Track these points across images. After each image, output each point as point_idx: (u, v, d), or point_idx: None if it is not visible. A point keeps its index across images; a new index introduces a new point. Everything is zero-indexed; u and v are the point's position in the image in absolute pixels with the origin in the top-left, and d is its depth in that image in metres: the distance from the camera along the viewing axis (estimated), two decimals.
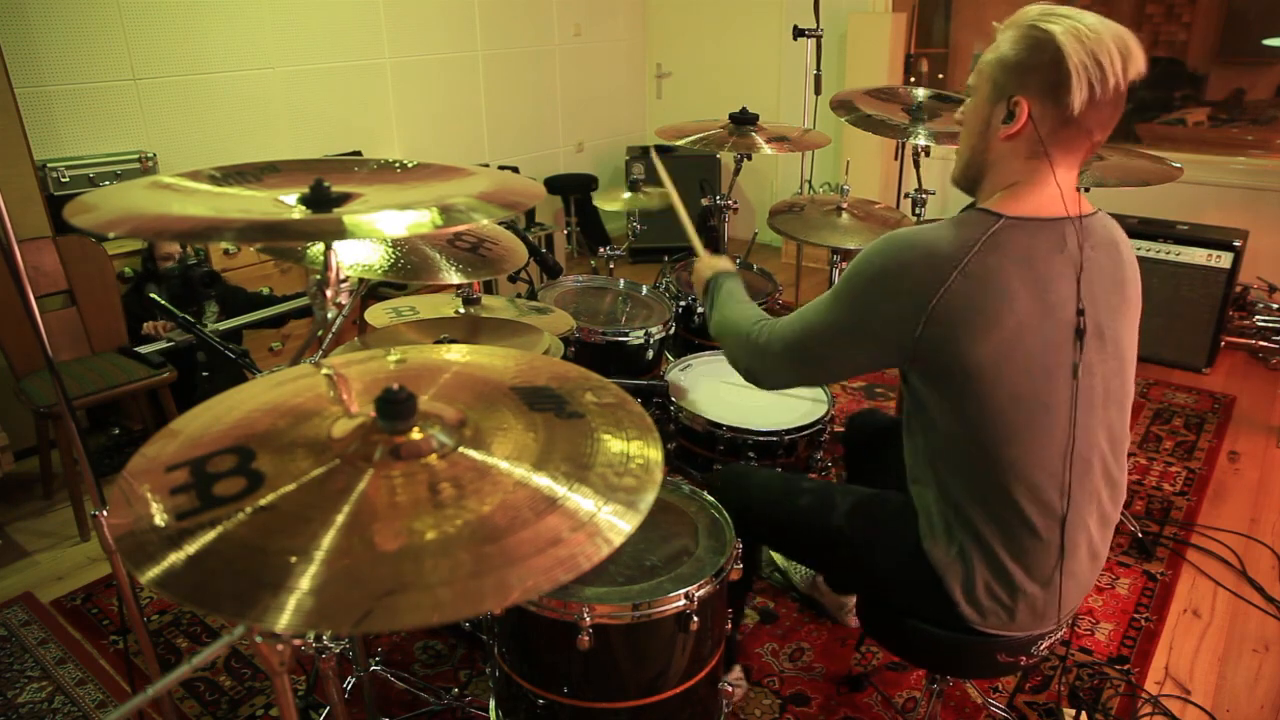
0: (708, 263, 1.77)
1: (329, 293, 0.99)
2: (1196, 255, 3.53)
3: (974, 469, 1.31)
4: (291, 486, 0.83)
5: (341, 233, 0.92)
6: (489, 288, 3.75)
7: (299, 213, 0.97)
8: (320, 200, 0.98)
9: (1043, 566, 1.34)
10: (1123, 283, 1.34)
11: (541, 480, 0.87)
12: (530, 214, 4.63)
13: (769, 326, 1.47)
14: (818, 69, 3.50)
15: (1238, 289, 3.72)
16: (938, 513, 1.39)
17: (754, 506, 1.56)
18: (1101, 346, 1.31)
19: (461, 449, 0.90)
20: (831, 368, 1.43)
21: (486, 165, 4.69)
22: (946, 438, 1.32)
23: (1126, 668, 2.09)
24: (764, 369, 1.47)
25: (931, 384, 1.30)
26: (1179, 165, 2.52)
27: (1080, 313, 1.27)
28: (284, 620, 0.69)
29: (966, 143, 1.34)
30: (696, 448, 2.09)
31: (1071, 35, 1.16)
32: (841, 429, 2.19)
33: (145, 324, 3.01)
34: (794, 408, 2.12)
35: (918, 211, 3.32)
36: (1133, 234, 3.64)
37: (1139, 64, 1.19)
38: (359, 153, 4.05)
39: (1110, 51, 1.16)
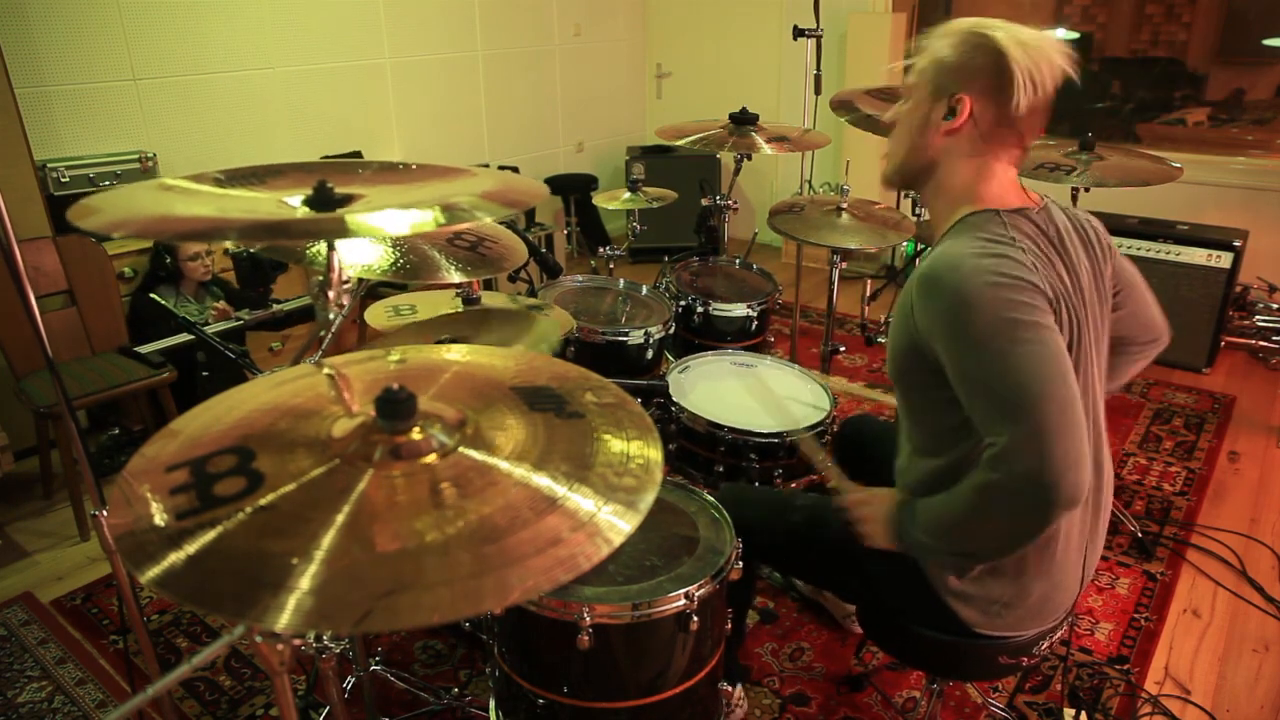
0: (878, 507, 1.42)
1: (331, 293, 0.99)
2: (1196, 255, 3.53)
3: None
4: (291, 486, 0.83)
5: (344, 231, 0.92)
6: (489, 287, 3.74)
7: (302, 213, 0.97)
8: (324, 200, 0.98)
9: (1042, 565, 1.34)
10: (1095, 268, 1.36)
11: (541, 480, 0.87)
12: (530, 214, 4.63)
13: (989, 451, 1.18)
14: (818, 69, 3.50)
15: (1238, 289, 3.72)
16: None
17: (750, 527, 1.56)
18: (1095, 335, 1.33)
19: (461, 449, 0.90)
20: (1070, 383, 1.16)
21: (486, 165, 4.69)
22: (966, 447, 1.30)
23: (1126, 668, 2.09)
24: (1038, 464, 1.13)
25: None
26: (1179, 165, 2.52)
27: (1081, 300, 1.29)
28: (284, 620, 0.69)
29: (903, 141, 1.37)
30: (697, 449, 2.08)
31: (1014, 42, 1.23)
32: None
33: (214, 307, 3.08)
34: (796, 409, 2.12)
35: (918, 211, 3.32)
36: (1133, 234, 3.65)
37: (1068, 72, 1.26)
38: (359, 153, 4.05)
39: (1050, 60, 1.23)
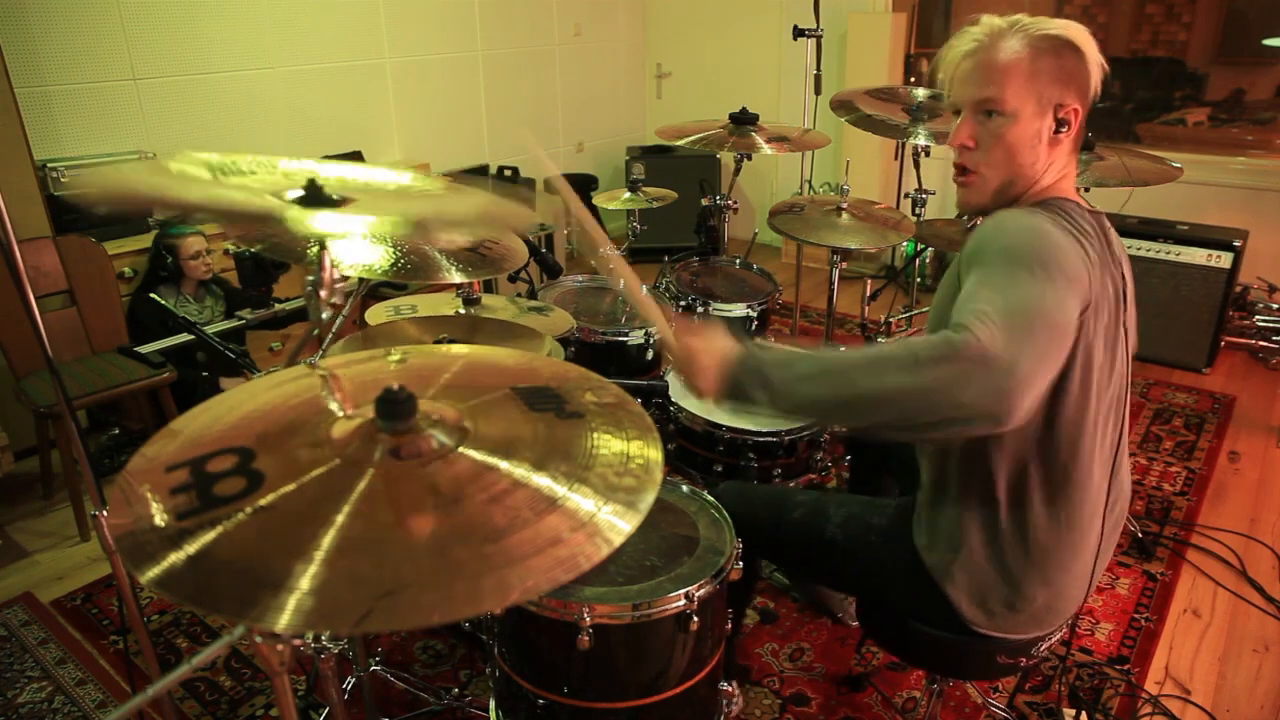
0: (710, 350, 1.21)
1: (323, 294, 0.99)
2: (1196, 255, 3.53)
3: (1014, 473, 1.28)
4: (291, 486, 0.83)
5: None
6: (489, 287, 3.75)
7: (293, 209, 0.97)
8: (317, 200, 0.98)
9: (1054, 569, 1.34)
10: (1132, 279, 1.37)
11: (541, 480, 0.87)
12: None
13: (969, 323, 1.05)
14: (818, 69, 3.51)
15: (1238, 289, 3.72)
16: (948, 519, 1.38)
17: (751, 525, 1.56)
18: (1127, 344, 1.32)
19: (461, 449, 0.90)
20: (1062, 340, 1.11)
21: (486, 166, 4.69)
22: (994, 443, 1.27)
23: (1126, 668, 2.09)
24: (1011, 370, 1.02)
25: None
26: (1179, 165, 2.52)
27: (1124, 307, 1.28)
28: (284, 620, 0.69)
29: (1013, 162, 1.27)
30: (696, 448, 2.09)
31: (1085, 41, 1.24)
32: (843, 429, 2.19)
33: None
34: None
35: (918, 211, 3.32)
36: (1133, 234, 3.66)
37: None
38: (359, 153, 4.05)
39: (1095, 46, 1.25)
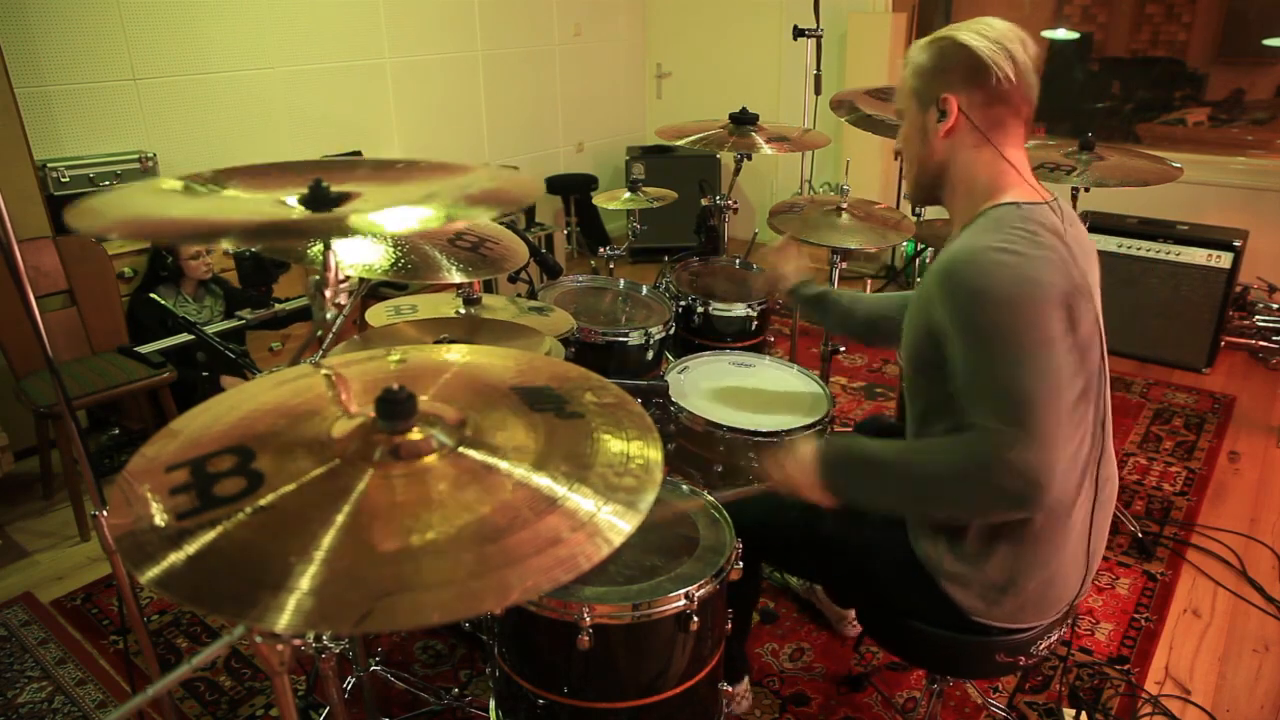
0: (802, 460, 1.40)
1: (328, 293, 0.99)
2: (1196, 255, 3.53)
3: None
4: (291, 486, 0.83)
5: (344, 230, 0.92)
6: (489, 287, 3.75)
7: (299, 213, 0.97)
8: (319, 200, 0.98)
9: (1040, 554, 1.35)
10: (1097, 266, 1.42)
11: (541, 480, 0.87)
12: (530, 214, 4.63)
13: (979, 433, 1.21)
14: (818, 69, 3.50)
15: (1238, 289, 3.72)
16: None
17: (747, 524, 1.56)
18: (1101, 337, 1.35)
19: (461, 449, 0.90)
20: (1062, 412, 1.21)
21: (486, 165, 4.68)
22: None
23: (1126, 668, 2.09)
24: (1028, 467, 1.17)
25: None
26: (1179, 165, 2.52)
27: (1090, 294, 1.31)
28: (284, 620, 0.69)
29: (912, 157, 1.45)
30: (697, 448, 2.08)
31: (971, 33, 1.34)
32: (844, 429, 2.19)
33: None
34: (795, 408, 2.12)
35: (917, 211, 3.32)
36: (1133, 234, 3.66)
37: (1032, 44, 1.35)
38: (359, 153, 4.05)
39: (1005, 36, 1.32)
